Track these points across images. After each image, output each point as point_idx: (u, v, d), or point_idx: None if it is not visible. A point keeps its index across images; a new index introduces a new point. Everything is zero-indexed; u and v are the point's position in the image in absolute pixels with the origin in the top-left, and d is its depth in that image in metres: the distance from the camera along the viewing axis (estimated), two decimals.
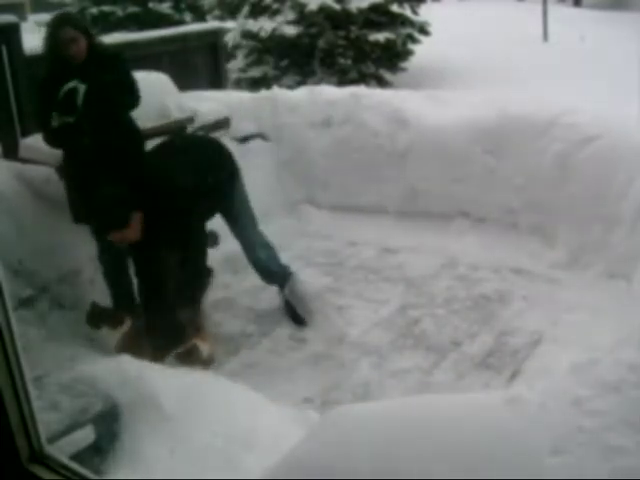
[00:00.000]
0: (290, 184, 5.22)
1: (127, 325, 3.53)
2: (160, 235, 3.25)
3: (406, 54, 10.75)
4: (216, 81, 6.48)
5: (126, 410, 2.46)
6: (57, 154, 4.17)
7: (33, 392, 1.31)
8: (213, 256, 4.31)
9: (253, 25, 10.14)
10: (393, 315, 3.92)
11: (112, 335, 3.54)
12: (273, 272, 3.87)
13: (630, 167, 3.99)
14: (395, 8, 10.73)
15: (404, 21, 10.76)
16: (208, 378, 2.91)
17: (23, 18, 14.05)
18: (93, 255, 4.09)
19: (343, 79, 9.79)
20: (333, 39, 10.22)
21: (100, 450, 2.38)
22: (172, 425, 2.43)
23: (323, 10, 9.87)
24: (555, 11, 13.49)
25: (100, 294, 3.95)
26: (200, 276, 3.40)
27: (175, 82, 5.10)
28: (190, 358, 3.19)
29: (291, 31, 9.86)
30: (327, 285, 4.27)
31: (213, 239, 4.08)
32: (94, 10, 11.68)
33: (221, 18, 10.66)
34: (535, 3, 13.97)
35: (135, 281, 3.65)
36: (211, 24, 8.56)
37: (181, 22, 11.21)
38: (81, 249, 4.06)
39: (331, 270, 4.47)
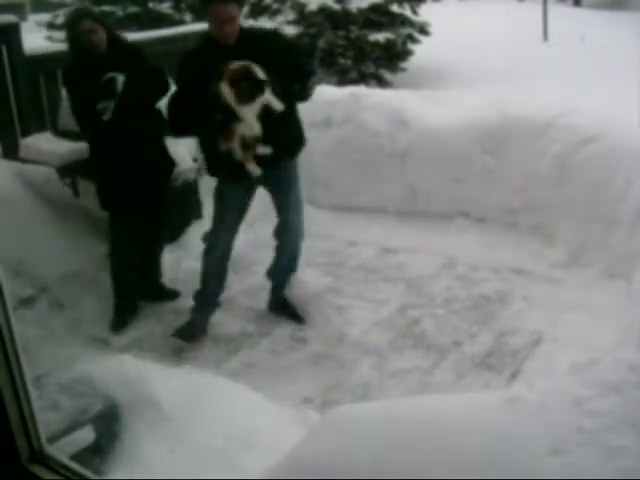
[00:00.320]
0: None
1: None
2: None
3: (406, 54, 10.74)
4: None
5: (126, 410, 2.46)
6: (57, 154, 4.18)
7: (33, 392, 1.31)
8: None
9: (253, 25, 10.13)
10: (393, 315, 3.92)
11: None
12: (293, 264, 3.86)
13: (629, 168, 3.99)
14: (395, 8, 10.73)
15: (404, 21, 10.75)
16: (208, 378, 2.91)
17: (23, 18, 14.04)
18: (93, 255, 4.10)
19: (343, 79, 9.79)
20: (333, 39, 10.22)
21: (100, 450, 2.37)
22: (172, 425, 2.43)
23: (323, 10, 9.86)
24: (555, 11, 13.48)
25: (100, 294, 3.96)
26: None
27: None
28: None
29: (291, 31, 9.86)
30: (327, 285, 4.26)
31: None
32: (94, 10, 11.67)
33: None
34: (535, 3, 13.97)
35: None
36: None
37: (181, 22, 11.19)
38: (81, 249, 4.06)
39: (331, 270, 4.47)
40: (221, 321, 3.91)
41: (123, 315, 3.87)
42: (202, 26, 7.86)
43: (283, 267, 3.88)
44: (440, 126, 4.88)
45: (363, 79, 9.74)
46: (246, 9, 10.43)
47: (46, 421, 1.88)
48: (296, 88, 3.35)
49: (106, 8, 11.67)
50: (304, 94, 3.42)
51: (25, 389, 1.29)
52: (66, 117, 4.38)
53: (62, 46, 4.39)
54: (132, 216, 3.80)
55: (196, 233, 4.42)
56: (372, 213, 5.01)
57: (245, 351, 3.65)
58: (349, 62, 10.29)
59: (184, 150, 4.34)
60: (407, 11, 10.84)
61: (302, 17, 10.02)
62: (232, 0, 3.30)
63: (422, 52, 10.70)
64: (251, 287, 4.18)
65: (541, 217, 4.49)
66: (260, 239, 4.63)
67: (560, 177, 4.36)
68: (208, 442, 2.38)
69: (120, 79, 3.54)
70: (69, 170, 4.32)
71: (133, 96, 3.57)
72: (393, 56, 10.64)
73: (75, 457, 2.10)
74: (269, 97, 3.21)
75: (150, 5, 11.88)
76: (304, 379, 3.37)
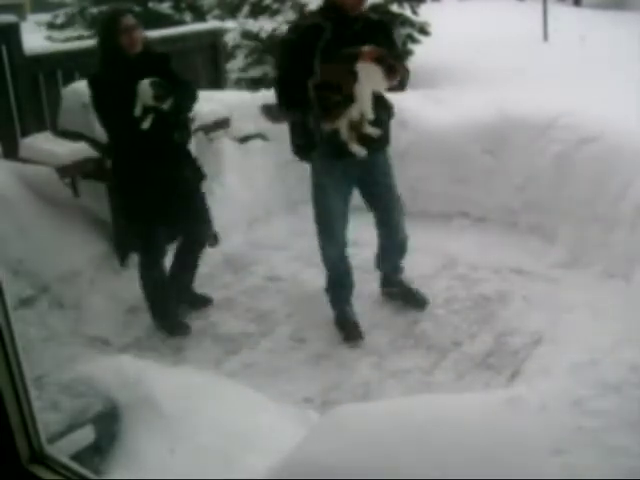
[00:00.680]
0: (290, 184, 5.21)
1: None
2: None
3: (406, 54, 10.73)
4: (216, 81, 6.47)
5: (126, 410, 2.46)
6: (57, 154, 4.17)
7: (33, 392, 1.31)
8: (213, 256, 4.33)
9: (253, 25, 10.12)
10: (393, 315, 3.92)
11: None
12: (405, 246, 3.90)
13: (629, 167, 3.99)
14: (395, 8, 10.72)
15: (404, 21, 10.74)
16: (208, 378, 2.91)
17: (23, 18, 14.05)
18: (93, 255, 4.10)
19: None
20: None
21: (100, 450, 2.37)
22: (172, 425, 2.43)
23: None
24: (555, 11, 13.47)
25: (100, 294, 3.96)
26: None
27: None
28: None
29: None
30: None
31: (213, 239, 4.08)
32: (94, 10, 11.66)
33: (221, 18, 10.64)
34: (535, 3, 13.96)
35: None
36: (211, 24, 8.54)
37: (181, 22, 11.19)
38: (81, 249, 4.06)
39: None
40: (221, 321, 3.91)
41: (174, 322, 3.83)
42: (202, 26, 7.89)
43: (395, 251, 3.93)
44: (440, 126, 4.88)
45: None
46: (246, 9, 10.42)
47: (46, 421, 1.89)
48: (397, 85, 3.38)
49: (106, 8, 11.64)
50: (403, 87, 3.49)
51: (25, 389, 1.29)
52: (66, 117, 4.38)
53: (62, 46, 4.39)
54: (165, 230, 3.69)
55: None
56: (372, 213, 5.00)
57: (245, 351, 3.65)
58: None
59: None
60: (407, 11, 10.84)
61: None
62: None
63: (422, 52, 10.69)
64: (251, 287, 4.18)
65: (541, 217, 4.49)
66: (260, 239, 4.64)
67: (560, 177, 4.36)
68: (208, 442, 2.37)
69: (161, 84, 3.38)
70: (69, 170, 4.31)
71: (177, 104, 3.43)
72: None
73: (75, 457, 2.10)
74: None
75: (150, 5, 11.87)
76: (304, 379, 3.37)
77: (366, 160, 3.41)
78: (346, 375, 3.39)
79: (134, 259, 4.31)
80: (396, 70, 3.18)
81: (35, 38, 9.09)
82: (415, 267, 4.41)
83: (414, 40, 10.75)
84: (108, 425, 2.42)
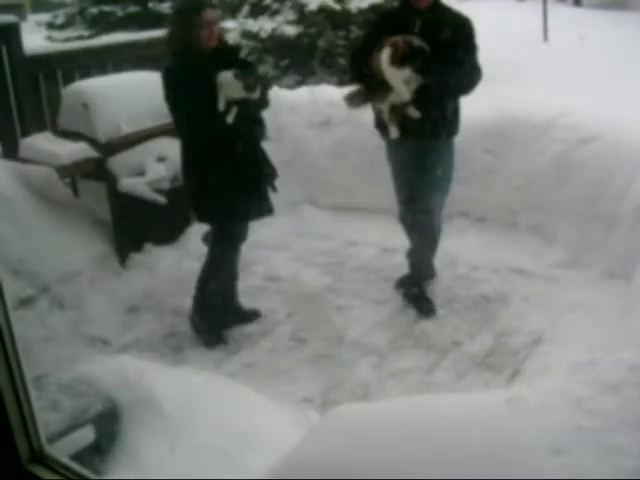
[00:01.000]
0: (290, 184, 5.21)
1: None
2: None
3: None
4: None
5: (126, 410, 2.46)
6: (57, 154, 4.17)
7: (33, 392, 1.31)
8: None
9: (253, 25, 10.13)
10: (393, 315, 3.92)
11: None
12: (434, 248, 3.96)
13: (629, 167, 3.99)
14: None
15: None
16: (208, 378, 2.91)
17: (23, 18, 14.04)
18: (93, 255, 4.10)
19: (343, 79, 9.78)
20: (333, 39, 10.21)
21: (100, 450, 2.37)
22: (172, 425, 2.43)
23: (323, 10, 9.85)
24: (555, 11, 13.47)
25: (100, 294, 3.96)
26: None
27: None
28: None
29: (291, 31, 9.85)
30: (327, 285, 4.27)
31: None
32: (94, 10, 11.66)
33: (221, 18, 10.65)
34: (535, 3, 13.95)
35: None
36: None
37: None
38: (81, 249, 4.06)
39: (331, 270, 4.47)
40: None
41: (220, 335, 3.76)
42: None
43: (425, 246, 3.97)
44: None
45: None
46: (246, 9, 10.42)
47: (46, 421, 1.89)
48: (451, 82, 3.50)
49: (106, 8, 11.66)
50: (461, 89, 3.59)
51: (25, 389, 1.29)
52: (66, 117, 4.38)
53: (62, 46, 4.39)
54: (239, 230, 3.64)
55: (196, 233, 4.42)
56: (372, 213, 5.00)
57: (245, 351, 3.65)
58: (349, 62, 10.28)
59: None
60: None
61: (302, 17, 10.01)
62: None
63: None
64: (251, 287, 4.18)
65: (541, 217, 4.49)
66: (260, 239, 4.63)
67: (560, 177, 4.36)
68: (208, 442, 2.37)
69: (248, 74, 3.27)
70: (69, 170, 4.31)
71: (259, 99, 3.35)
72: None
73: (75, 457, 2.10)
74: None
75: (150, 5, 11.86)
76: (304, 379, 3.37)
77: (417, 146, 3.63)
78: (346, 375, 3.39)
79: (134, 259, 4.32)
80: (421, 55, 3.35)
81: (35, 38, 9.09)
82: None
83: None
84: (108, 425, 2.42)
